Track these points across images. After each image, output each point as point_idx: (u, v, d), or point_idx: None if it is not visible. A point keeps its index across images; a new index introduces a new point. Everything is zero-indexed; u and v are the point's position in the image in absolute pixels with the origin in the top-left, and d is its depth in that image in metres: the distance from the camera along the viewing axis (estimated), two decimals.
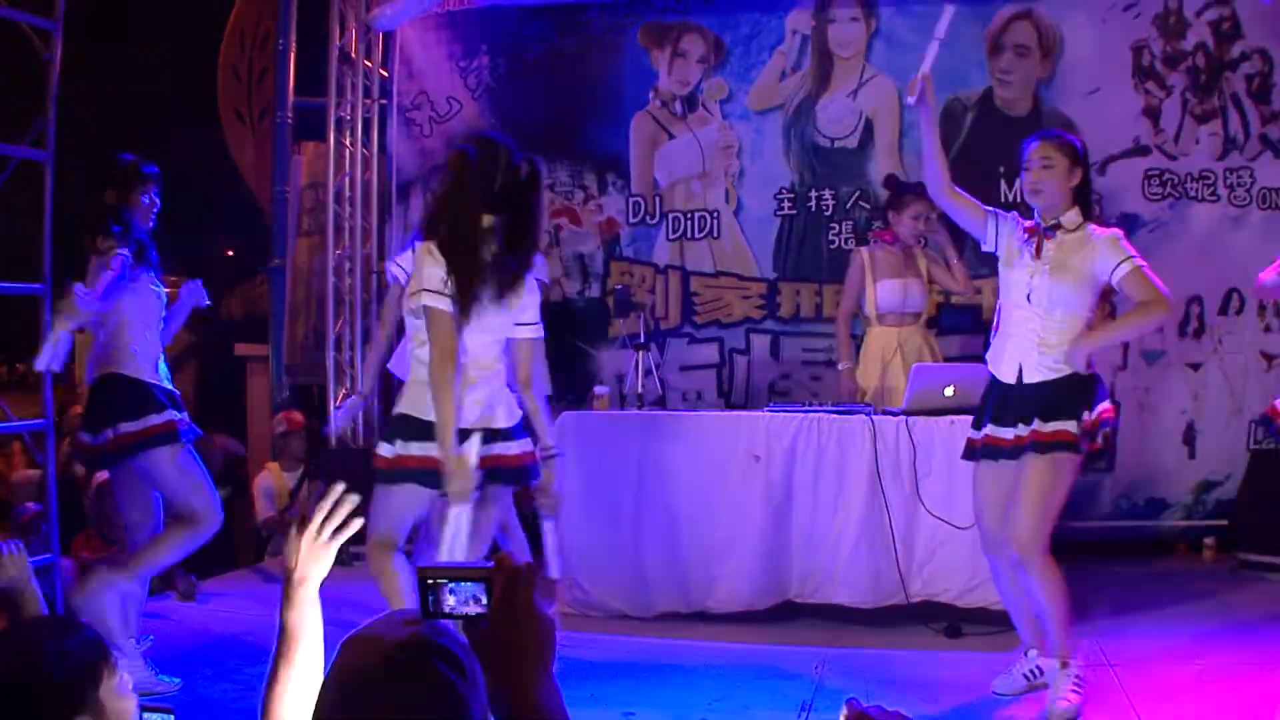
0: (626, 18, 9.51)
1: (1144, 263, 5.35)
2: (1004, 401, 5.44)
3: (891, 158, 9.08)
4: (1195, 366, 8.98)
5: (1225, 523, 8.85)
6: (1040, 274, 5.34)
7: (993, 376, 5.56)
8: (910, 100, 5.67)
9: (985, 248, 5.62)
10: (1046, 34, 9.11)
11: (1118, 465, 8.95)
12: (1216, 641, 6.58)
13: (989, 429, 5.49)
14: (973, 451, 5.61)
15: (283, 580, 2.73)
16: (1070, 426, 5.25)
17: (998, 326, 5.57)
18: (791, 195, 9.33)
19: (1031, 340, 5.35)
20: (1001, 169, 8.72)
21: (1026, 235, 5.41)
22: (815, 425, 6.96)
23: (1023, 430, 5.31)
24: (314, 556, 2.75)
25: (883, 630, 6.67)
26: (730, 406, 8.92)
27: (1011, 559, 5.38)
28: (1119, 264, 5.29)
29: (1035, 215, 5.47)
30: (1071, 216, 5.38)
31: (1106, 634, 6.71)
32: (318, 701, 2.05)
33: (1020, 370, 5.39)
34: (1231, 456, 8.86)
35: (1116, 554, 8.69)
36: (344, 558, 8.35)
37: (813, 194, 9.28)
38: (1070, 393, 5.32)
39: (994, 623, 6.52)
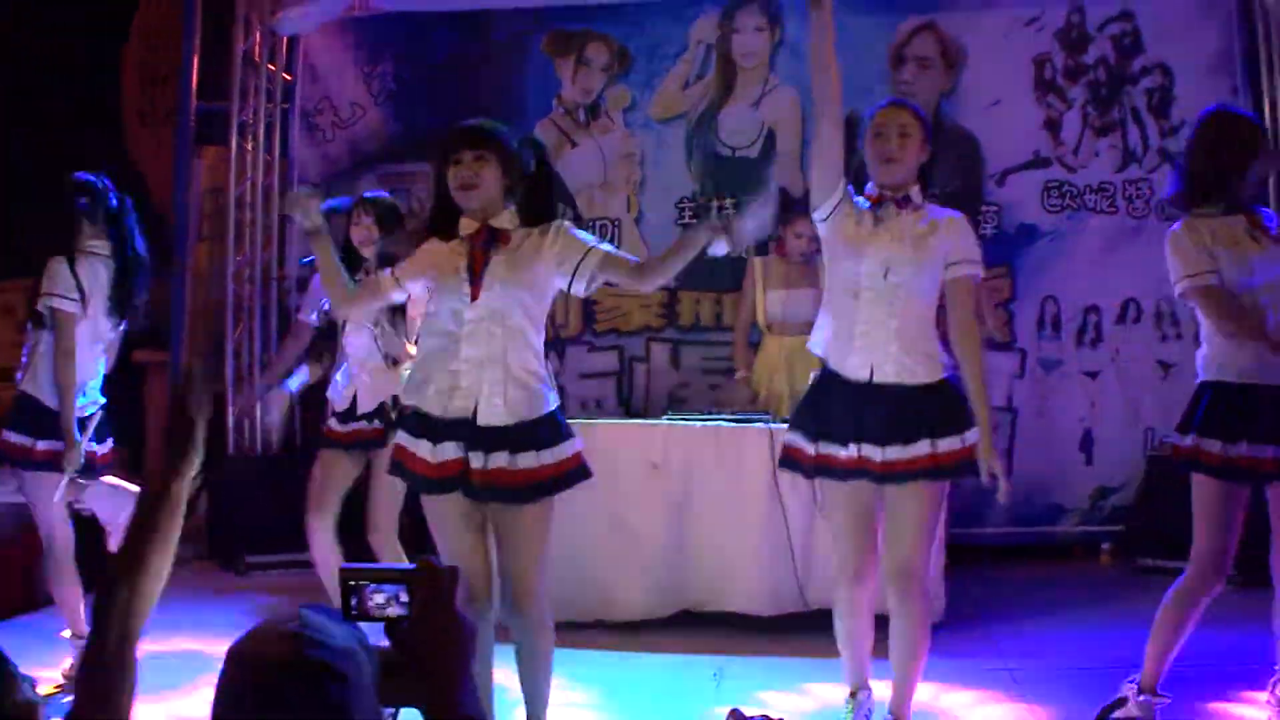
0: (531, 25, 9.48)
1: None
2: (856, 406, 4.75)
3: (793, 168, 9.08)
4: (1092, 375, 9.09)
5: (1122, 528, 8.96)
6: (899, 250, 4.72)
7: (831, 375, 4.88)
8: None
9: (819, 213, 4.86)
10: (949, 47, 9.20)
11: (1015, 472, 8.96)
12: (1113, 644, 6.64)
13: (824, 446, 4.80)
14: (798, 464, 4.93)
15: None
16: (957, 444, 4.72)
17: (828, 315, 4.94)
18: (693, 204, 9.35)
19: (889, 330, 4.71)
20: None
21: (873, 206, 4.81)
22: (714, 434, 6.98)
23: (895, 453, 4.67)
24: None
25: (781, 638, 6.69)
26: (630, 415, 8.88)
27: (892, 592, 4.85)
28: (966, 263, 4.81)
29: (871, 189, 4.88)
30: (916, 193, 4.81)
31: (1003, 637, 6.86)
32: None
33: (872, 369, 4.75)
34: (1128, 463, 8.97)
35: (1014, 560, 8.83)
36: (240, 568, 8.27)
37: (714, 204, 9.28)
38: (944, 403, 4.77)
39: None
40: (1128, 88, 9.17)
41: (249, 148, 9.63)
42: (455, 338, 4.52)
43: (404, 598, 2.18)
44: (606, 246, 4.68)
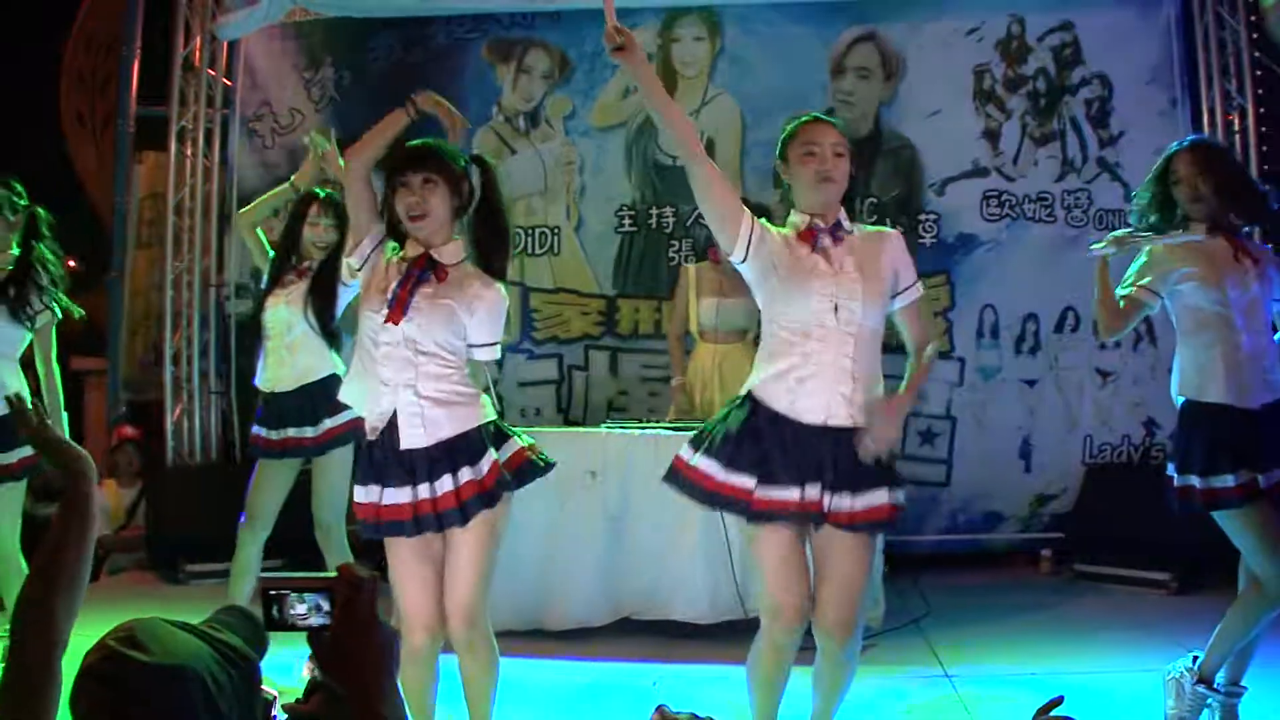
0: (471, 32, 9.46)
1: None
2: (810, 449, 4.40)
3: (733, 177, 9.04)
4: (1031, 383, 9.15)
5: (1061, 535, 9.03)
6: (846, 284, 4.41)
7: (773, 414, 4.46)
8: None
9: (735, 255, 4.50)
10: (889, 57, 9.26)
11: (954, 480, 9.10)
12: (1052, 650, 6.73)
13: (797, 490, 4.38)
14: (762, 514, 4.42)
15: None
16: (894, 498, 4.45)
17: (771, 356, 4.55)
18: (632, 212, 9.35)
19: (843, 370, 4.40)
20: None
21: (805, 240, 4.47)
22: (652, 442, 6.96)
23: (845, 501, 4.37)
24: None
25: (720, 645, 6.66)
26: (569, 423, 8.91)
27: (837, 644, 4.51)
28: (914, 285, 4.60)
29: (798, 218, 4.55)
30: (844, 217, 4.53)
31: (944, 645, 6.84)
32: None
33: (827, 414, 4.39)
34: (1066, 471, 9.03)
35: (954, 567, 8.86)
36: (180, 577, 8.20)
37: (653, 211, 9.32)
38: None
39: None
40: (1067, 98, 9.25)
41: (189, 153, 9.55)
42: (374, 356, 4.48)
43: (325, 606, 2.15)
44: (498, 351, 4.71)
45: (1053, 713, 2.59)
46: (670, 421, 7.33)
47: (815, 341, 4.40)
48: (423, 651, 4.58)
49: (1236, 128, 9.05)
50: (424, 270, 4.48)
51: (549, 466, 4.70)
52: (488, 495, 4.47)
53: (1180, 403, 5.06)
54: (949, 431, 9.08)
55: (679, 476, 4.61)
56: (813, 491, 4.35)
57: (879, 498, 4.38)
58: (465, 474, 4.44)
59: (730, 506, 4.48)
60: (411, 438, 4.44)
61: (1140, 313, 5.07)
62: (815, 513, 4.36)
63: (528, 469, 4.63)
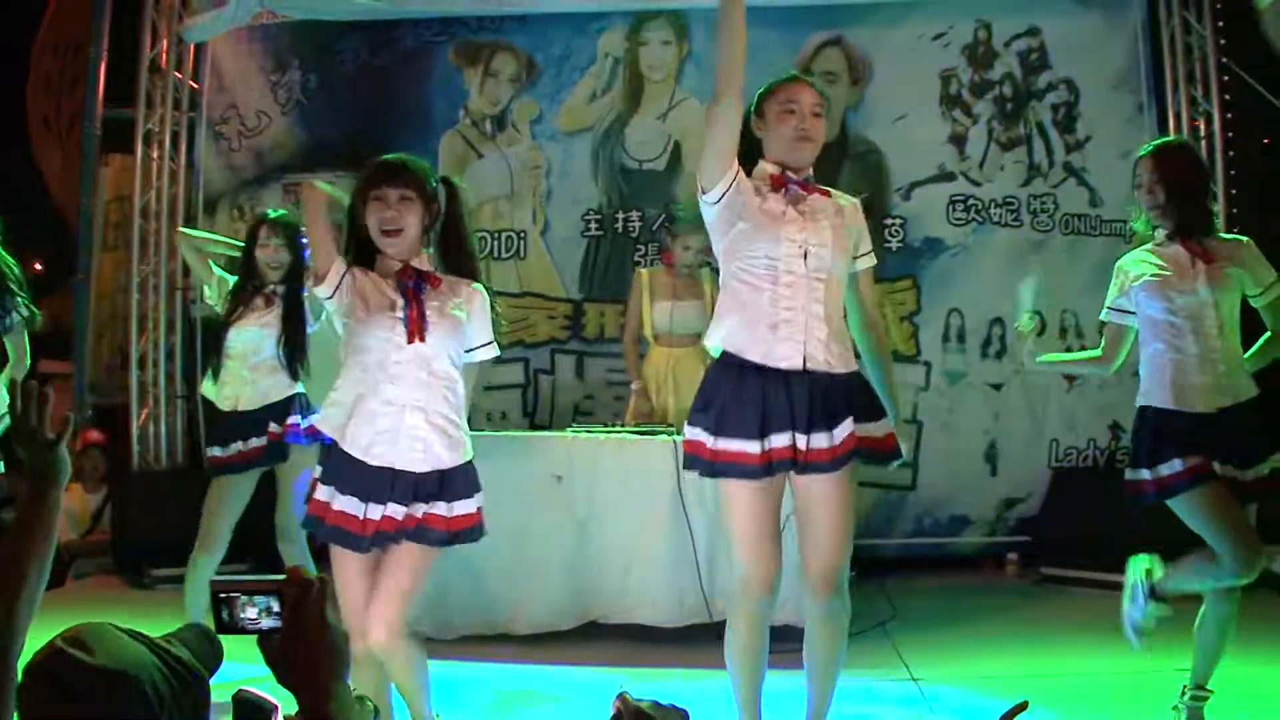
0: (439, 35, 9.45)
1: None
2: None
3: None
4: (997, 387, 9.19)
5: (1027, 538, 9.05)
6: (816, 230, 4.39)
7: (745, 365, 4.41)
8: None
9: (713, 194, 4.34)
10: (856, 61, 9.29)
11: (920, 483, 9.11)
12: (1019, 653, 6.75)
13: (776, 439, 4.35)
14: (748, 469, 4.38)
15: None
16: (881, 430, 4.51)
17: (733, 307, 4.48)
18: (599, 216, 9.35)
19: (815, 315, 4.37)
20: None
21: (777, 187, 4.43)
22: (617, 446, 6.96)
23: (822, 440, 4.34)
24: None
25: (687, 649, 6.66)
26: (535, 427, 8.89)
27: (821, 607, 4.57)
28: (869, 254, 4.61)
29: (769, 169, 4.48)
30: (811, 176, 4.51)
31: (910, 650, 6.82)
32: None
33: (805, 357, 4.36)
34: (1032, 474, 9.06)
35: (920, 570, 8.87)
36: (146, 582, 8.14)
37: (620, 216, 9.33)
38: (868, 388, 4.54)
39: (794, 639, 6.54)
40: (1033, 103, 9.29)
41: (155, 156, 9.51)
42: (379, 378, 4.38)
43: (275, 609, 2.14)
44: (495, 349, 4.66)
45: (1017, 718, 2.59)
46: (629, 425, 7.32)
47: (784, 287, 4.36)
48: (370, 655, 4.53)
49: (1202, 133, 9.09)
50: (418, 282, 4.41)
51: (481, 537, 4.62)
52: (454, 535, 4.45)
53: (1138, 407, 5.10)
54: (915, 435, 9.08)
55: (686, 457, 4.55)
56: (786, 439, 4.31)
57: (862, 428, 4.37)
58: (446, 507, 4.42)
59: (729, 471, 4.40)
60: (411, 461, 4.39)
61: (1123, 336, 5.11)
62: (791, 460, 4.31)
63: (466, 535, 4.55)
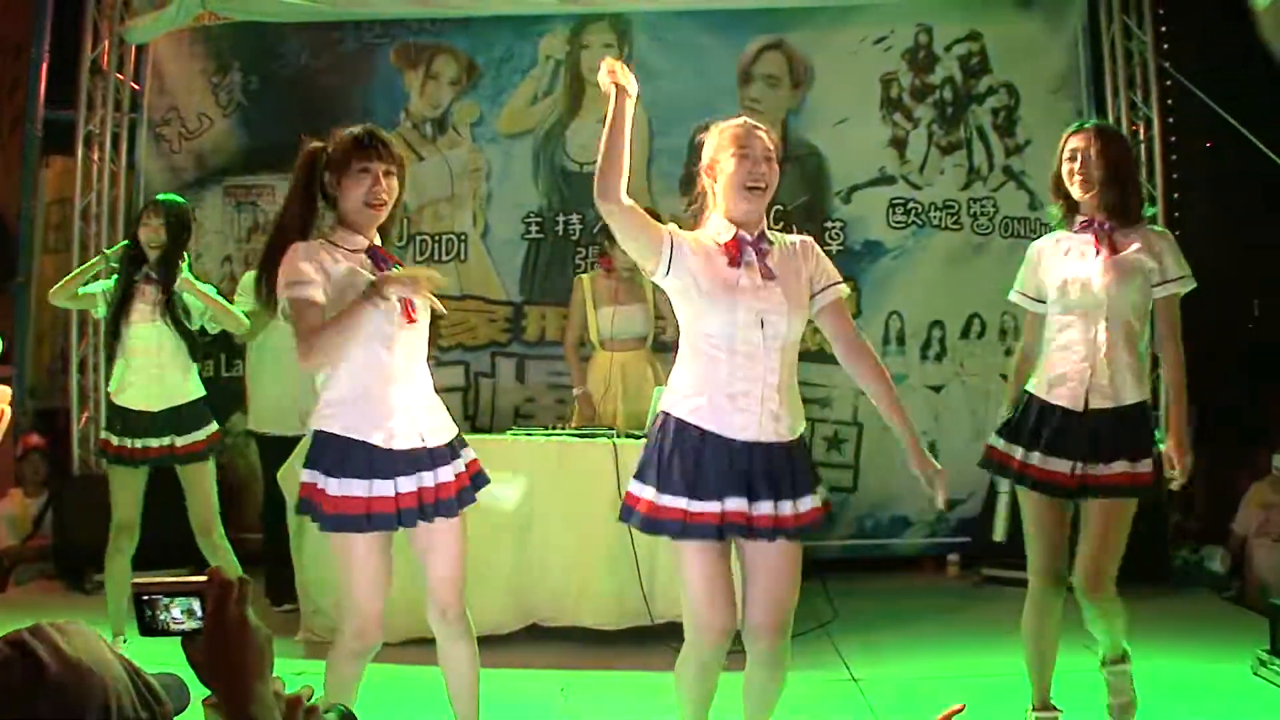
0: (380, 38, 9.42)
1: None
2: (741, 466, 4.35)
3: (639, 183, 9.05)
4: (937, 389, 9.25)
5: (968, 540, 9.11)
6: (772, 298, 4.32)
7: (701, 433, 4.35)
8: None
9: (657, 275, 4.36)
10: (797, 65, 9.32)
11: (861, 485, 9.17)
12: (959, 653, 6.84)
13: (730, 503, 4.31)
14: (706, 529, 4.34)
15: None
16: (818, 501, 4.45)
17: (690, 373, 4.43)
18: (539, 219, 9.35)
19: (770, 386, 4.33)
20: None
21: (729, 252, 4.34)
22: (557, 448, 6.97)
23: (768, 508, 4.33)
24: None
25: (628, 650, 6.69)
26: (476, 430, 8.84)
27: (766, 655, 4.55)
28: (835, 284, 4.48)
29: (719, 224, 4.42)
30: (765, 228, 4.44)
31: (851, 651, 6.91)
32: None
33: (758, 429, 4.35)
34: (973, 476, 8.96)
35: (861, 572, 8.90)
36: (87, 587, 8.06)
37: (560, 218, 9.33)
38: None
39: (738, 640, 6.58)
40: (974, 107, 9.35)
41: (95, 158, 9.43)
42: (385, 360, 4.41)
43: (197, 611, 2.14)
44: None
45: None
46: (575, 429, 7.33)
47: (741, 357, 4.33)
48: (371, 650, 4.59)
49: (1142, 138, 9.16)
50: (388, 262, 4.50)
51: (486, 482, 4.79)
52: (473, 486, 4.70)
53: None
54: (855, 437, 9.14)
55: (624, 509, 4.51)
56: (740, 503, 4.29)
57: (809, 503, 4.37)
58: (452, 469, 4.59)
59: (666, 529, 4.37)
60: (433, 436, 4.55)
61: (1038, 321, 5.19)
62: (742, 524, 4.29)
63: (481, 478, 4.77)
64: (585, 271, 8.56)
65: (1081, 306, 5.01)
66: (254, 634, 2.11)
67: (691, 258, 4.32)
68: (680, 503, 4.31)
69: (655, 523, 4.37)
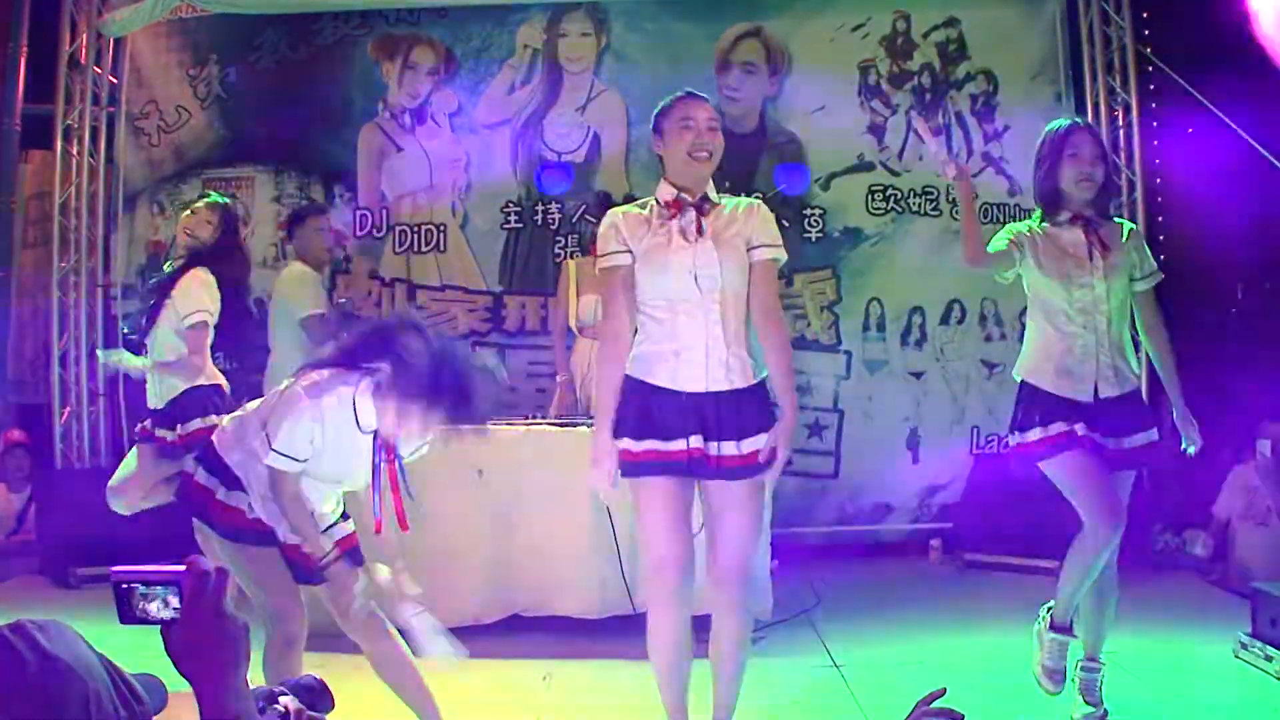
0: (357, 29, 9.42)
1: None
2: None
3: (618, 172, 9.18)
4: (917, 375, 9.28)
5: (950, 525, 9.14)
6: (702, 252, 4.49)
7: (652, 388, 4.55)
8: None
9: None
10: (775, 52, 9.32)
11: (843, 471, 9.19)
12: (942, 638, 6.82)
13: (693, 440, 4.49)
14: (670, 465, 4.53)
15: None
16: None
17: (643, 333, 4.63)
18: (518, 208, 9.35)
19: (715, 338, 4.50)
20: (727, 184, 8.81)
21: (673, 213, 4.56)
22: (537, 437, 6.97)
23: (730, 448, 4.51)
24: None
25: (609, 640, 6.67)
26: None
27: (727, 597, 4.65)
28: (767, 246, 4.59)
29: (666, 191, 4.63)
30: (712, 190, 4.64)
31: (833, 637, 6.88)
32: None
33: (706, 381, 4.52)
34: (954, 462, 9.14)
35: (843, 558, 8.91)
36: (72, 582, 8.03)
37: (539, 208, 9.34)
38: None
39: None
40: (952, 93, 9.36)
41: (74, 152, 9.42)
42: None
43: (174, 601, 2.14)
44: None
45: (935, 704, 2.60)
46: (555, 417, 7.33)
47: (683, 315, 4.50)
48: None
49: (1120, 122, 9.18)
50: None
51: None
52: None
53: (1018, 380, 5.27)
54: (836, 424, 9.17)
55: (624, 465, 4.62)
56: (696, 441, 4.45)
57: (759, 442, 4.48)
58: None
59: (645, 469, 4.53)
60: None
61: (1003, 261, 5.13)
62: (700, 458, 4.45)
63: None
64: (566, 259, 8.57)
65: (1081, 302, 5.07)
66: (230, 624, 2.10)
67: (631, 235, 4.58)
68: (639, 444, 4.51)
69: (636, 465, 4.53)
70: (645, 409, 4.53)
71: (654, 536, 4.57)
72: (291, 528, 4.44)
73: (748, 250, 4.56)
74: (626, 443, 4.55)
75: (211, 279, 6.41)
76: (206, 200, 6.63)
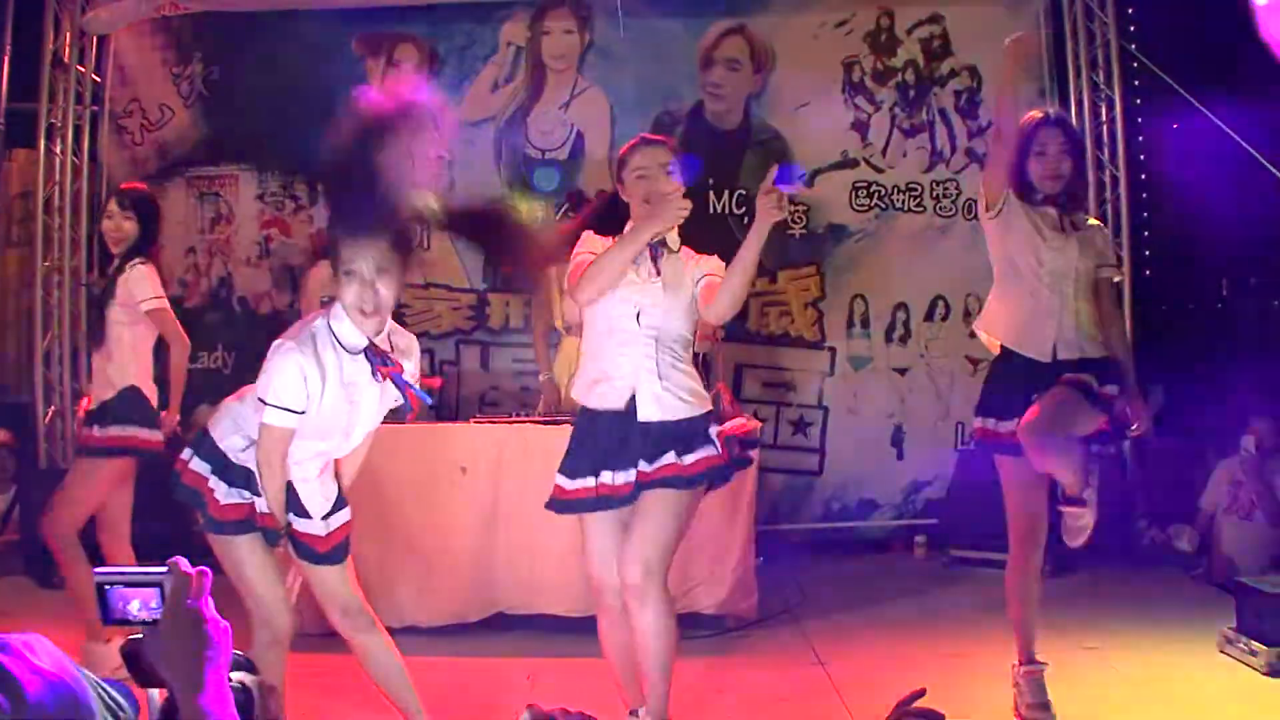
0: (341, 27, 9.39)
1: None
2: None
3: (601, 170, 9.13)
4: (902, 371, 9.30)
5: (935, 521, 9.16)
6: (650, 291, 4.68)
7: (594, 414, 4.78)
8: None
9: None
10: (758, 49, 9.33)
11: (827, 468, 9.21)
12: (927, 635, 6.83)
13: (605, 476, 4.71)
14: (585, 503, 4.78)
15: None
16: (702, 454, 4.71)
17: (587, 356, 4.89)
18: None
19: (649, 371, 4.66)
20: (711, 181, 8.85)
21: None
22: (521, 435, 6.96)
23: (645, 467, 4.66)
24: None
25: (593, 638, 6.63)
26: (441, 418, 8.85)
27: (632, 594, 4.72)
28: (711, 274, 4.72)
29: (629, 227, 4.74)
30: (672, 236, 4.77)
31: (819, 634, 6.87)
32: None
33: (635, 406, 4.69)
34: (939, 458, 9.15)
35: (828, 555, 8.92)
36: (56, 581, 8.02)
37: (522, 205, 9.22)
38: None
39: (705, 626, 6.64)
40: (936, 89, 9.37)
41: (58, 151, 9.39)
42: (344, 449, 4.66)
43: (154, 602, 2.13)
44: None
45: (915, 704, 2.59)
46: (540, 415, 7.33)
47: (619, 345, 4.69)
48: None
49: (1104, 118, 9.19)
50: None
51: None
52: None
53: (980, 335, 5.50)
54: (821, 421, 9.19)
55: (552, 500, 4.91)
56: (622, 477, 4.64)
57: (675, 458, 4.61)
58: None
59: (575, 508, 4.80)
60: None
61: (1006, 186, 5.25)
62: (628, 494, 4.64)
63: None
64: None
65: (1051, 265, 5.21)
66: (211, 626, 2.10)
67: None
68: (588, 483, 4.74)
69: (568, 504, 4.83)
70: (589, 443, 4.76)
71: (589, 561, 4.87)
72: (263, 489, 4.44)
73: (697, 281, 4.72)
74: (562, 480, 4.83)
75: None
76: (114, 199, 6.49)
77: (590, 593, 6.61)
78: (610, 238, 4.74)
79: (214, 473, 4.48)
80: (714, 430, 4.74)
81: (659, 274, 4.71)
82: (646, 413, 4.65)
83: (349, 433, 4.55)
